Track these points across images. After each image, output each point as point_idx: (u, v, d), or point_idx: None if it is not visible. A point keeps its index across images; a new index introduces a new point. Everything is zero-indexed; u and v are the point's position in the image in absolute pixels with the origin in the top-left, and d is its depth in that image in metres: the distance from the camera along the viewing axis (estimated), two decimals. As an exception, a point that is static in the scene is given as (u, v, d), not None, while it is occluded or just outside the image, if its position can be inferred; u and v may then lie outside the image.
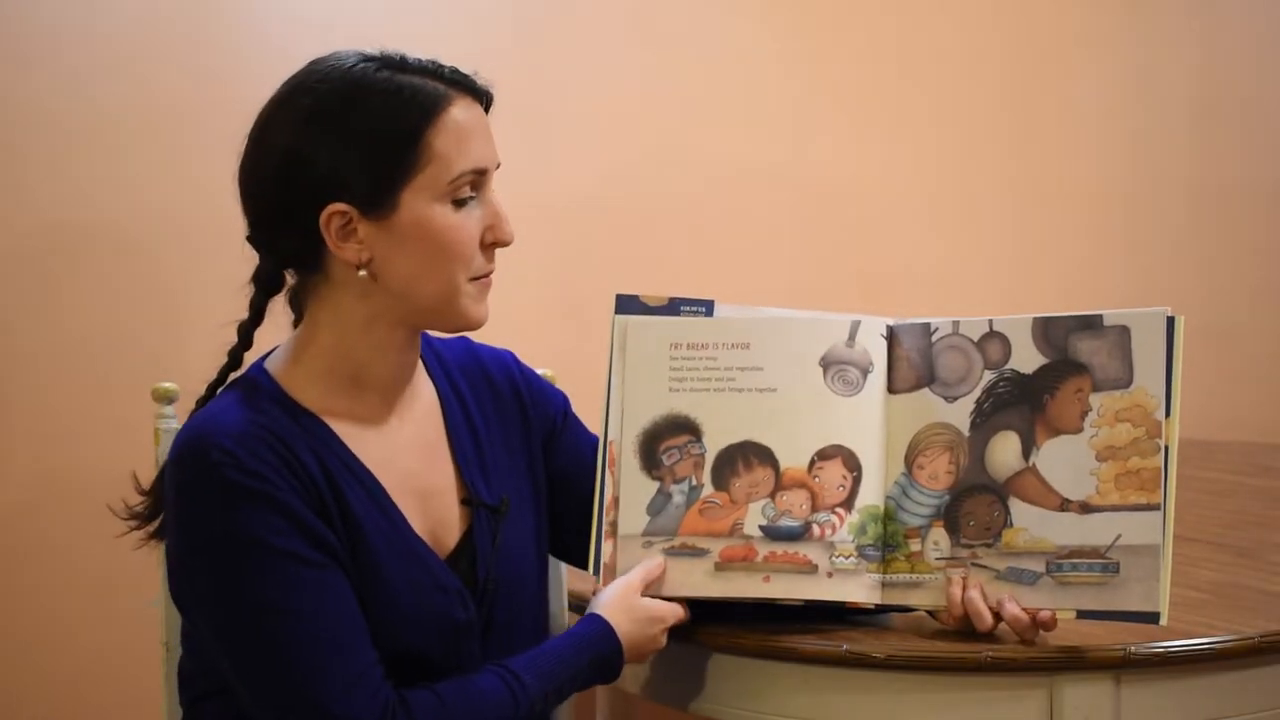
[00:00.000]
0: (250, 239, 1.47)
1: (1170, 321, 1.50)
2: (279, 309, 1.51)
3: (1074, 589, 1.50)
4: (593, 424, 1.65)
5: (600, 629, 1.51)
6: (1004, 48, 3.07)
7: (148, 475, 1.56)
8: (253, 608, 1.36)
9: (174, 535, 1.42)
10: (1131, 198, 3.19)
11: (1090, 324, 1.53)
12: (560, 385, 1.73)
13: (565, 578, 1.81)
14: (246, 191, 1.45)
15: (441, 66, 1.45)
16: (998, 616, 1.52)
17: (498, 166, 1.47)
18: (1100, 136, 3.15)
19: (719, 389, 1.59)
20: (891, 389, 1.59)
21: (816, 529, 1.55)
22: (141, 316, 2.37)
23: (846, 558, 1.55)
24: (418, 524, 1.48)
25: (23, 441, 2.32)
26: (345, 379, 1.47)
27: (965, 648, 1.51)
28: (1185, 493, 1.73)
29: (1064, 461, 1.52)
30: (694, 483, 1.58)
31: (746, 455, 1.58)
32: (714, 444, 1.58)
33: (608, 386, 1.60)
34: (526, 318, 2.48)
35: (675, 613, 1.56)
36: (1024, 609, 1.50)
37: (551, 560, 1.68)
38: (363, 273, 1.43)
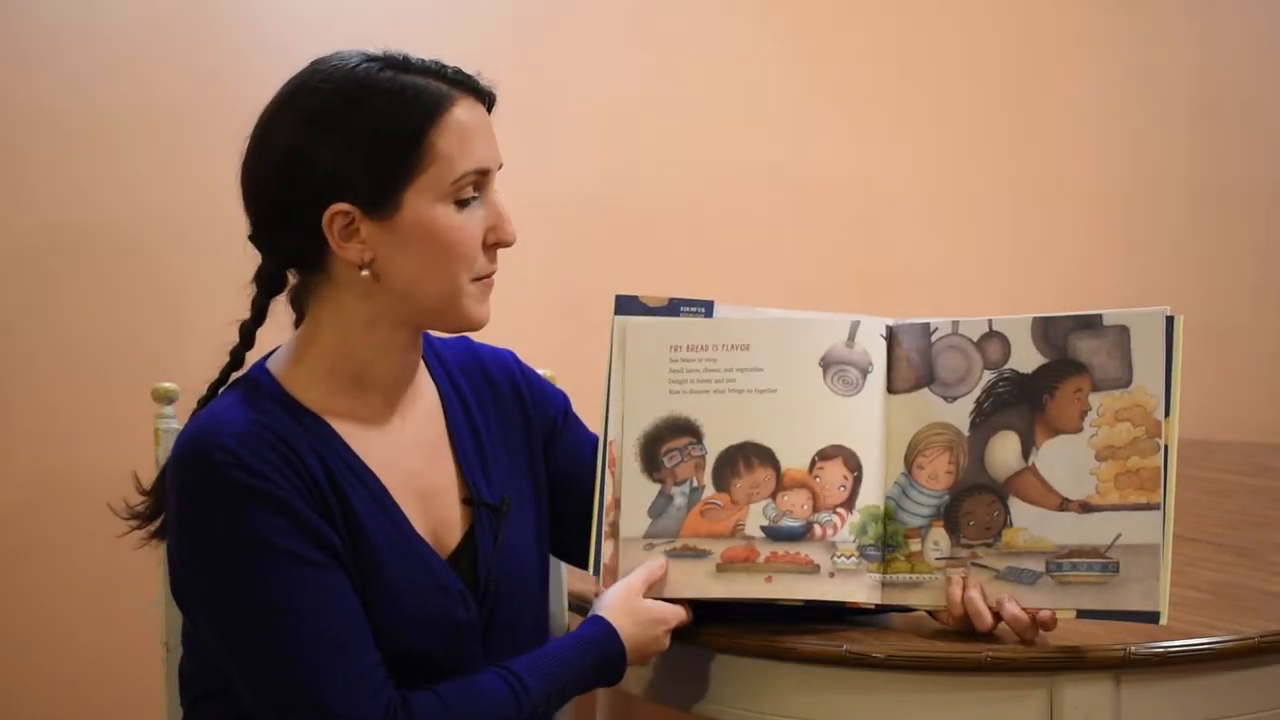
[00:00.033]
0: (252, 239, 1.47)
1: (1170, 321, 1.50)
2: (280, 309, 1.51)
3: (1074, 589, 1.50)
4: (593, 424, 1.65)
5: (603, 631, 1.51)
6: (1004, 48, 3.07)
7: (148, 475, 1.56)
8: (255, 607, 1.36)
9: (176, 535, 1.42)
10: (1131, 198, 3.19)
11: (1090, 324, 1.53)
12: (560, 385, 1.73)
13: (565, 578, 1.81)
14: (249, 191, 1.45)
15: (445, 67, 1.45)
16: (998, 616, 1.52)
17: (500, 167, 1.47)
18: (1100, 136, 3.15)
19: (719, 390, 1.59)
20: (891, 389, 1.59)
21: (818, 529, 1.55)
22: (141, 316, 2.37)
23: (848, 558, 1.55)
24: (419, 524, 1.48)
25: (23, 441, 2.32)
26: (347, 379, 1.47)
27: (965, 648, 1.51)
28: (1185, 493, 1.73)
29: (1064, 461, 1.52)
30: (695, 484, 1.58)
31: (747, 456, 1.58)
32: (715, 445, 1.58)
33: (607, 387, 1.60)
34: (526, 318, 2.48)
35: (678, 614, 1.56)
36: (1024, 609, 1.50)
37: (552, 560, 1.68)
38: (365, 273, 1.43)
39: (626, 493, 1.58)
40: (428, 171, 1.41)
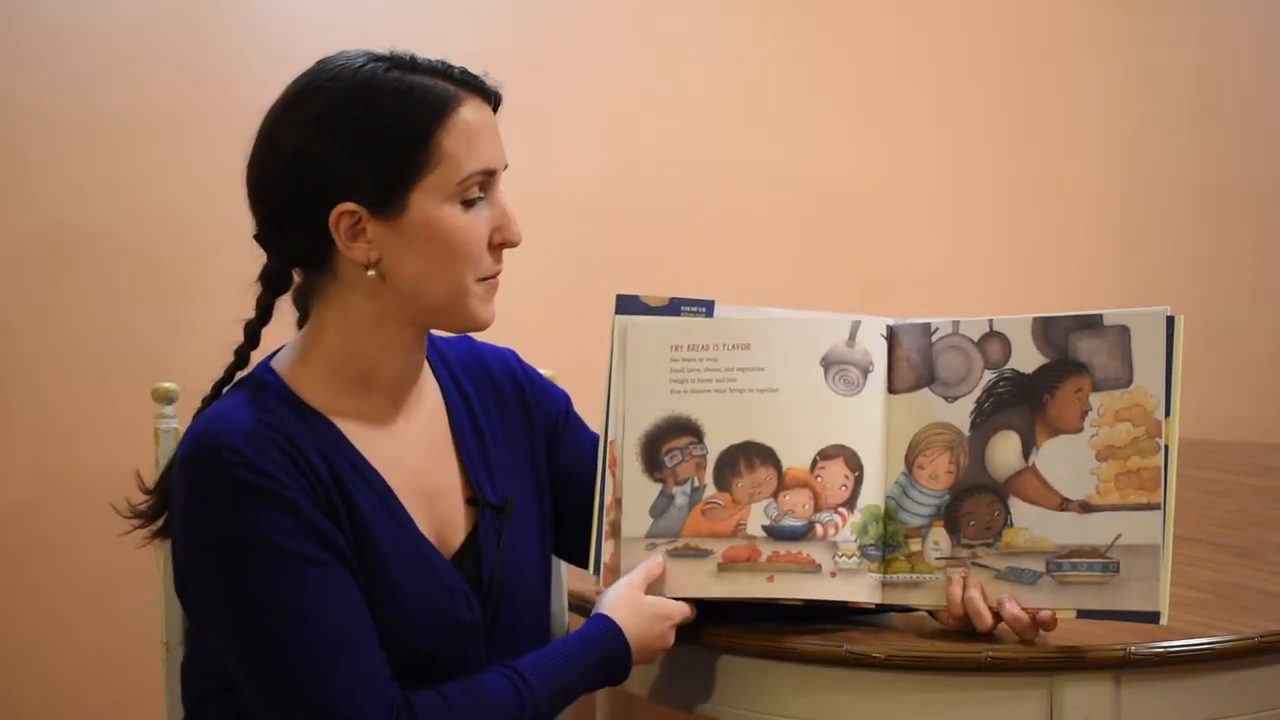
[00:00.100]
0: (258, 238, 1.47)
1: (1170, 321, 1.50)
2: (282, 308, 1.51)
3: (1074, 589, 1.50)
4: (594, 424, 1.65)
5: (607, 629, 1.51)
6: (1004, 48, 3.07)
7: (149, 475, 1.56)
8: (260, 607, 1.36)
9: (182, 534, 1.42)
10: (1131, 198, 3.19)
11: (1090, 324, 1.53)
12: (561, 385, 1.73)
13: (565, 578, 1.81)
14: (255, 191, 1.45)
15: (451, 67, 1.45)
16: (998, 616, 1.51)
17: (506, 167, 1.47)
18: (1100, 136, 3.15)
19: (720, 390, 1.59)
20: (892, 389, 1.59)
21: (819, 529, 1.55)
22: (141, 316, 2.37)
23: (849, 557, 1.55)
24: (423, 524, 1.48)
25: (23, 441, 2.32)
26: (353, 379, 1.47)
27: (965, 648, 1.51)
28: (1185, 493, 1.73)
29: (1064, 461, 1.52)
30: (696, 484, 1.58)
31: (748, 455, 1.58)
32: (716, 445, 1.58)
33: (608, 386, 1.60)
34: (526, 318, 2.48)
35: (682, 609, 1.55)
36: (1024, 609, 1.50)
37: (553, 560, 1.68)
38: (371, 272, 1.43)
39: (628, 492, 1.58)
40: (434, 172, 1.41)
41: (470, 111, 1.43)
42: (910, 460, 1.57)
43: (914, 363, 1.59)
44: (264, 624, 1.36)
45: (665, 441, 1.59)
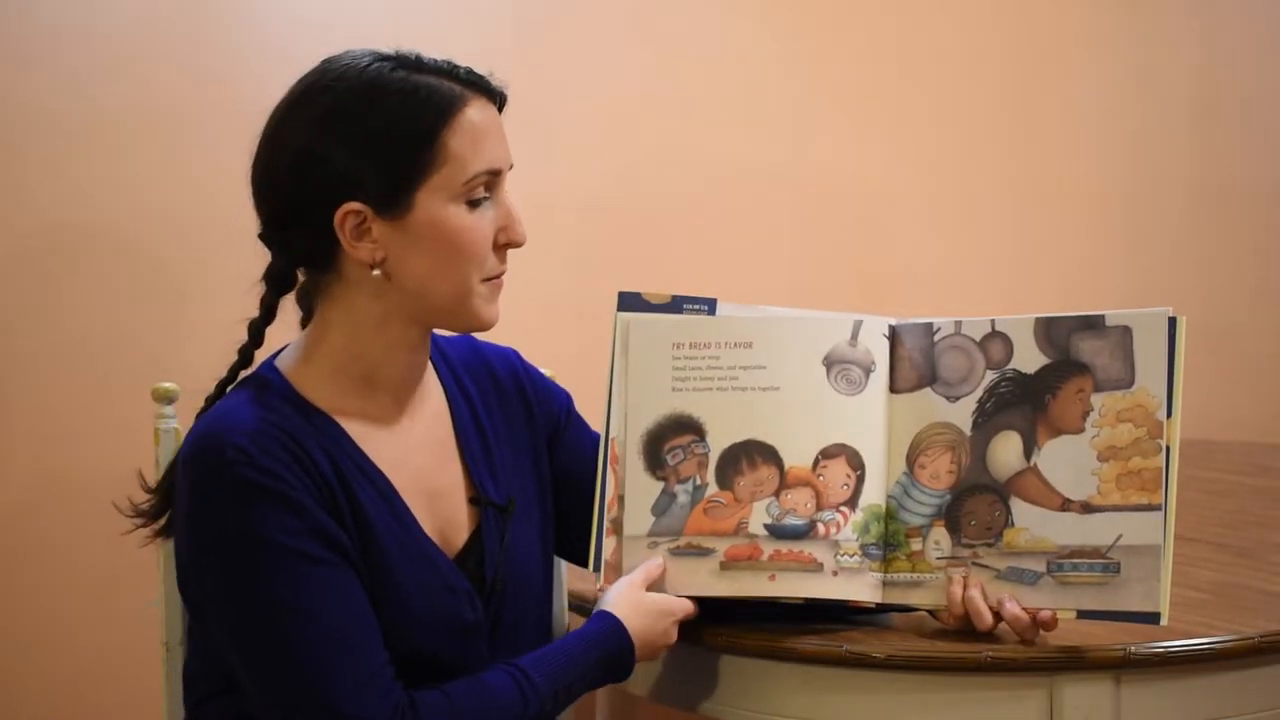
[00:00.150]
0: (262, 237, 1.47)
1: (1172, 322, 1.50)
2: (285, 307, 1.51)
3: (1074, 589, 1.50)
4: (596, 423, 1.65)
5: (611, 626, 1.51)
6: (1004, 48, 3.07)
7: (150, 476, 1.56)
8: (264, 607, 1.36)
9: (186, 532, 1.42)
10: (1131, 198, 3.19)
11: (1092, 324, 1.53)
12: (562, 384, 1.73)
13: (565, 577, 1.81)
14: (260, 190, 1.45)
15: (457, 67, 1.45)
16: (998, 616, 1.52)
17: (511, 167, 1.47)
18: (1100, 136, 3.15)
19: (722, 388, 1.59)
20: (894, 388, 1.59)
21: (821, 527, 1.55)
22: (141, 316, 2.37)
23: (851, 556, 1.55)
24: (426, 524, 1.48)
25: (23, 441, 2.32)
26: (357, 379, 1.47)
27: (965, 648, 1.51)
28: (1185, 493, 1.73)
29: (1065, 461, 1.52)
30: (698, 482, 1.58)
31: (750, 454, 1.58)
32: (718, 443, 1.58)
33: (609, 382, 1.60)
34: (527, 317, 2.48)
35: (684, 606, 1.55)
36: (1024, 608, 1.50)
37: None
38: (376, 272, 1.43)
39: (630, 490, 1.58)
40: (440, 171, 1.41)
41: (476, 111, 1.43)
42: (912, 460, 1.57)
43: (916, 362, 1.59)
44: (268, 624, 1.36)
45: (667, 439, 1.59)
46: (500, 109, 1.48)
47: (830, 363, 1.58)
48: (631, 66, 2.74)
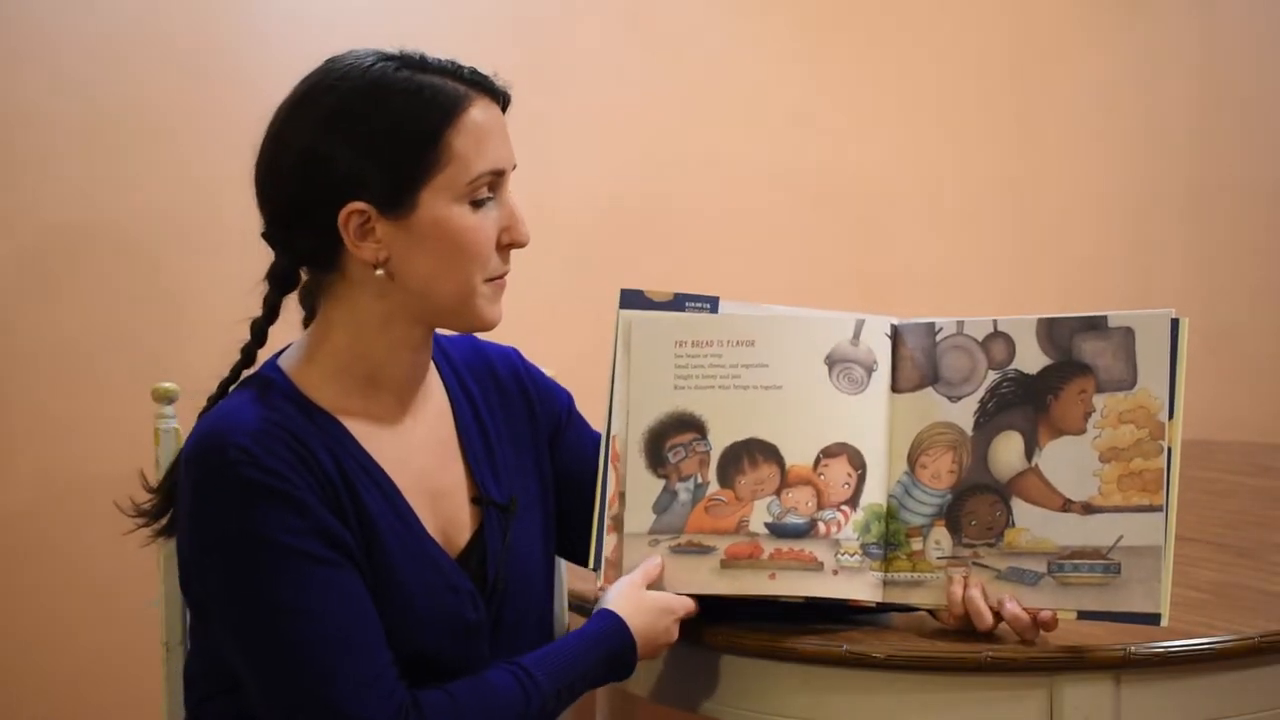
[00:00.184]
0: (266, 236, 1.47)
1: (1175, 324, 1.50)
2: (288, 306, 1.51)
3: (1075, 589, 1.50)
4: (597, 423, 1.65)
5: (612, 624, 1.51)
6: (1004, 47, 3.07)
7: (150, 476, 1.56)
8: (267, 607, 1.36)
9: (188, 532, 1.42)
10: (1132, 198, 3.19)
11: (1095, 325, 1.53)
12: (563, 384, 1.72)
13: (566, 577, 1.81)
14: (263, 190, 1.45)
15: (461, 67, 1.45)
16: (998, 616, 1.52)
17: (514, 167, 1.47)
18: (1101, 136, 3.15)
19: (724, 386, 1.59)
20: (895, 388, 1.59)
21: (822, 526, 1.55)
22: (141, 316, 2.37)
23: (851, 555, 1.55)
24: (429, 524, 1.48)
25: (23, 442, 2.32)
26: (360, 378, 1.47)
27: (965, 648, 1.51)
28: (1185, 493, 1.73)
29: (1067, 462, 1.52)
30: (699, 480, 1.58)
31: (752, 452, 1.58)
32: (719, 441, 1.58)
33: (611, 379, 1.60)
34: (528, 317, 2.48)
35: (685, 604, 1.55)
36: (1025, 609, 1.50)
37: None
38: (380, 272, 1.42)
39: (631, 488, 1.58)
40: (444, 171, 1.41)
41: (480, 112, 1.43)
42: (913, 459, 1.57)
43: (918, 362, 1.59)
44: (271, 623, 1.36)
45: (669, 437, 1.59)
46: (504, 109, 1.48)
47: (832, 362, 1.58)
48: (632, 66, 2.74)
